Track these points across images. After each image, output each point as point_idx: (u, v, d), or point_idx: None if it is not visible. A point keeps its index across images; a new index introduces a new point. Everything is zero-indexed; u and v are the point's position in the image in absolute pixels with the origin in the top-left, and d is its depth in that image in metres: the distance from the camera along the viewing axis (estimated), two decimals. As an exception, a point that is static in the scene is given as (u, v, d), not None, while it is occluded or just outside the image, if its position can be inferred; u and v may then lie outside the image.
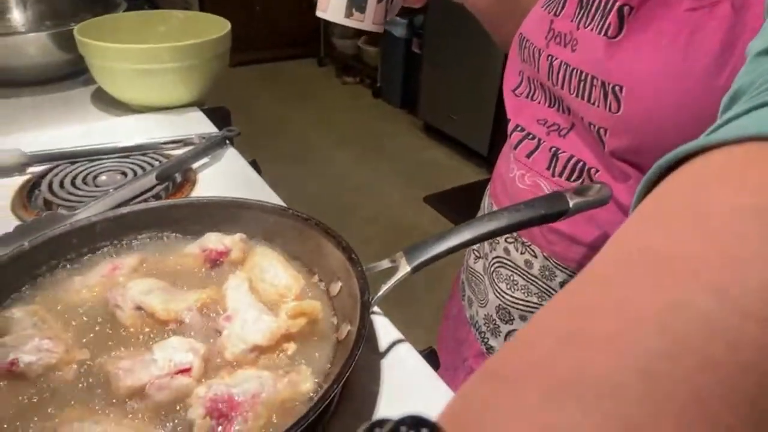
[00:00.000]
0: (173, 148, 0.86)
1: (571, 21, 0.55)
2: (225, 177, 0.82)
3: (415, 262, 0.50)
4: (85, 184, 0.76)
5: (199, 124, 0.97)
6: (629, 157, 0.52)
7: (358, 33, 3.96)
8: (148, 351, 0.45)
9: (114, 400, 0.42)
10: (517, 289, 0.63)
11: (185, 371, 0.43)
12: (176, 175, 0.79)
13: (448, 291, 0.88)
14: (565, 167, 0.57)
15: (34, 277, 0.53)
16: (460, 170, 3.04)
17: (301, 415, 0.38)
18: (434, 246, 0.50)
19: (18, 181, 0.77)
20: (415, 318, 1.74)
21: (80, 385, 0.43)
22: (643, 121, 0.48)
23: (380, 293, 0.50)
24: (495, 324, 0.68)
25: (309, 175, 2.87)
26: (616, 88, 0.49)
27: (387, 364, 0.52)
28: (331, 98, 3.91)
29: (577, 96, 0.54)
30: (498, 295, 0.66)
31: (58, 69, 1.09)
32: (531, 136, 0.62)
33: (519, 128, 0.63)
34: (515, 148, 0.63)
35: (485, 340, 0.70)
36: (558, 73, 0.56)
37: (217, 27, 1.01)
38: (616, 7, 0.50)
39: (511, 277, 0.64)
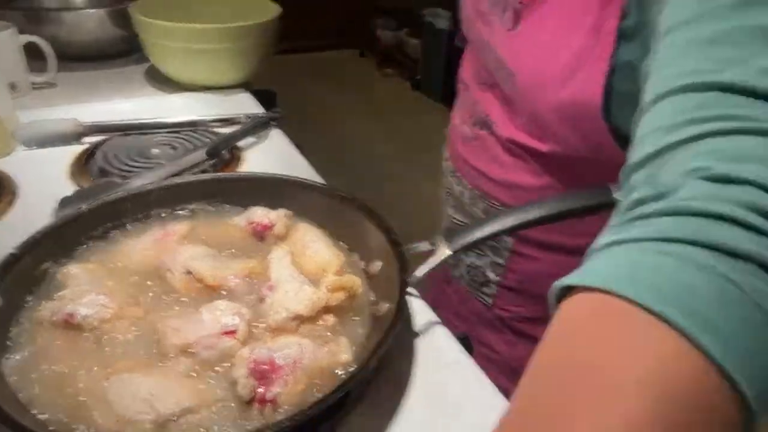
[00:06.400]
0: (221, 126, 0.89)
1: None
2: (270, 157, 0.85)
3: (456, 245, 0.51)
4: (139, 155, 0.79)
5: (246, 105, 0.99)
6: None
7: (400, 24, 3.95)
8: (197, 312, 0.47)
9: (163, 356, 0.45)
10: None
11: (231, 333, 0.45)
12: (224, 152, 0.81)
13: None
14: None
15: (91, 239, 0.56)
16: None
17: (341, 382, 0.40)
18: (475, 230, 0.50)
19: (76, 150, 0.81)
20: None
21: (132, 340, 0.46)
22: None
23: (419, 274, 0.51)
24: None
25: (348, 163, 2.89)
26: None
27: (421, 345, 0.53)
28: (371, 89, 3.92)
29: None
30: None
31: (114, 45, 1.13)
32: None
33: None
34: None
35: None
36: None
37: (266, 11, 1.03)
38: None
39: None
